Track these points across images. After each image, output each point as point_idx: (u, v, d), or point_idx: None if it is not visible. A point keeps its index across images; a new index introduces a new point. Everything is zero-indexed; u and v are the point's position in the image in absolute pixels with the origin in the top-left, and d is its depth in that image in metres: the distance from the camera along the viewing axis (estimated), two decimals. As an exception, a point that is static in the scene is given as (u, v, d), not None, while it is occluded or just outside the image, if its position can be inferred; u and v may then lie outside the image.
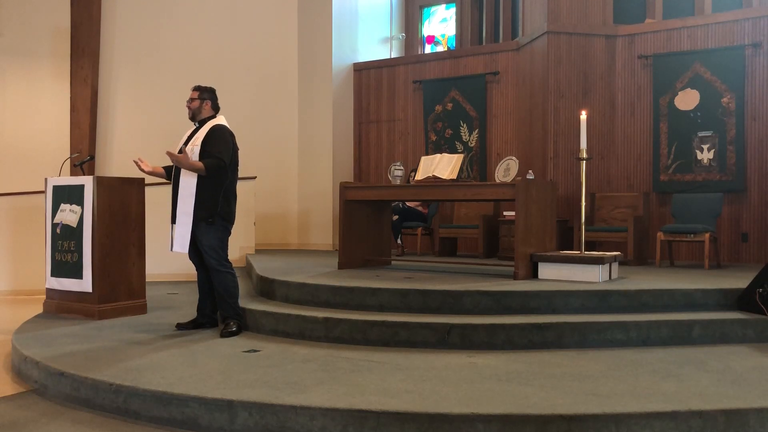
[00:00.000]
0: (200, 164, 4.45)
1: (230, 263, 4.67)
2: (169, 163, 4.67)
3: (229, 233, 4.68)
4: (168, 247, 4.76)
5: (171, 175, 4.71)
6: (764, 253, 7.30)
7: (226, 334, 4.49)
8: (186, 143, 4.65)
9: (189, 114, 4.71)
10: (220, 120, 4.68)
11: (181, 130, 10.54)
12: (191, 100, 4.69)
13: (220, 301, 4.65)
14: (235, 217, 4.70)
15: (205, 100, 4.68)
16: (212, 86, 4.78)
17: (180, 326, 4.76)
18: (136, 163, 4.67)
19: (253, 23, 9.83)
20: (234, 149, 4.63)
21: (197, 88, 4.73)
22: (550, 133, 8.02)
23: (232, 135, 4.64)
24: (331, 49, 9.73)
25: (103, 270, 5.19)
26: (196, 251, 4.65)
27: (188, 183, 4.50)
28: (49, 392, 3.64)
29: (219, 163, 4.48)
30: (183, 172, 4.53)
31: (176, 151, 4.59)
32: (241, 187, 8.13)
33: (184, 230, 4.53)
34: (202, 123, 4.67)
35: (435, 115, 9.37)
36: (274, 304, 4.99)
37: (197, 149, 4.51)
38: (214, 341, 4.36)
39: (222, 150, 4.51)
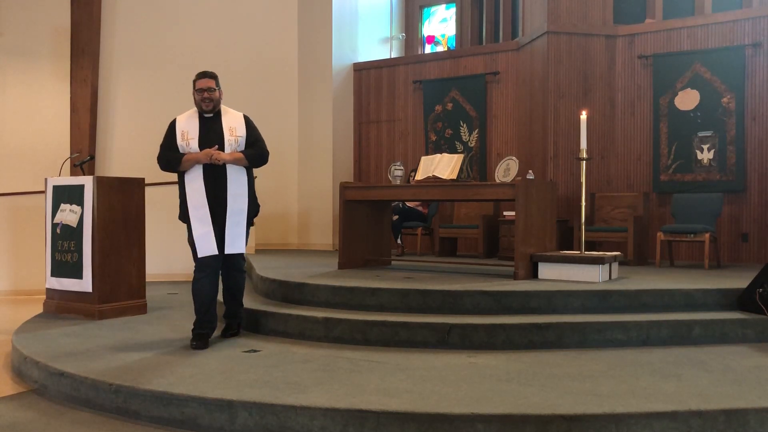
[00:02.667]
0: (240, 155, 4.21)
1: None
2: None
3: None
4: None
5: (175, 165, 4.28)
6: (764, 253, 7.30)
7: (230, 334, 4.47)
8: (204, 138, 4.21)
9: (208, 106, 4.23)
10: (233, 109, 4.41)
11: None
12: (211, 89, 4.21)
13: (235, 303, 4.49)
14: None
15: (219, 88, 4.30)
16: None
17: (202, 347, 4.21)
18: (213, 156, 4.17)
19: (253, 23, 9.83)
20: None
21: (212, 76, 4.27)
22: (550, 133, 8.02)
23: None
24: (331, 49, 9.74)
25: (103, 270, 5.19)
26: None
27: (240, 180, 4.24)
28: (49, 392, 3.63)
29: (260, 152, 4.29)
30: (229, 165, 4.20)
31: (192, 148, 4.21)
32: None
33: (241, 230, 4.25)
34: (216, 114, 4.29)
35: (435, 115, 9.37)
36: (274, 304, 4.99)
37: (242, 140, 4.25)
38: (214, 341, 4.36)
39: (262, 138, 4.35)
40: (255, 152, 4.28)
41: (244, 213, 4.26)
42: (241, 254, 4.36)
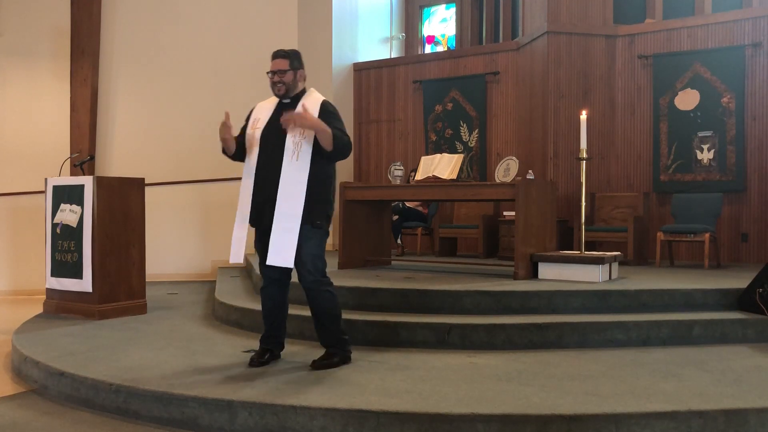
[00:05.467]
0: (329, 128, 3.45)
1: (328, 278, 3.72)
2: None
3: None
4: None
5: (239, 154, 3.71)
6: (764, 253, 7.30)
7: (321, 365, 3.59)
8: (270, 126, 3.62)
9: (280, 91, 3.63)
10: (317, 92, 3.76)
11: (182, 129, 10.50)
12: (281, 72, 3.60)
13: (320, 327, 3.70)
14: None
15: (298, 69, 3.65)
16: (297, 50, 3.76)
17: (256, 363, 3.69)
18: (226, 120, 3.61)
19: (253, 23, 9.83)
20: None
21: (285, 55, 3.62)
22: (550, 133, 8.02)
23: None
24: (331, 49, 9.73)
25: (103, 270, 5.19)
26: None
27: (298, 178, 3.49)
28: (49, 392, 3.64)
29: (346, 139, 3.52)
30: (288, 157, 3.50)
31: (255, 136, 3.61)
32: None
33: (289, 237, 3.49)
34: (295, 99, 3.65)
35: (435, 115, 9.36)
36: (274, 304, 4.98)
37: (310, 133, 3.50)
38: (214, 341, 4.36)
39: (344, 128, 3.57)
40: (337, 132, 3.50)
41: (297, 219, 3.49)
42: (308, 266, 3.63)
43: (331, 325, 3.67)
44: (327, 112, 3.60)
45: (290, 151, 3.52)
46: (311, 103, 3.62)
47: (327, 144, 3.48)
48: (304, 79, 3.74)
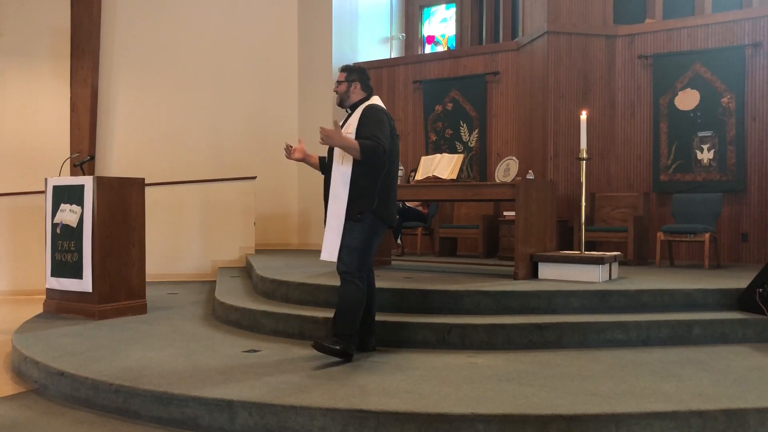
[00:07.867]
0: (354, 142, 3.74)
1: (361, 274, 3.80)
2: (323, 152, 4.06)
3: (378, 237, 3.90)
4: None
5: (324, 167, 4.10)
6: (764, 253, 7.30)
7: (321, 347, 3.72)
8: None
9: (337, 100, 4.11)
10: (374, 101, 4.01)
11: (182, 129, 10.46)
12: (338, 83, 4.05)
13: (334, 315, 3.85)
14: (392, 218, 3.95)
15: (353, 81, 4.01)
16: (361, 66, 4.18)
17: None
18: (287, 148, 4.11)
19: (253, 23, 9.84)
20: (392, 134, 3.91)
21: (344, 69, 4.08)
22: (550, 133, 8.02)
23: (388, 116, 3.94)
24: (331, 49, 9.74)
25: (103, 270, 5.19)
26: None
27: (340, 178, 3.82)
28: (49, 392, 3.63)
29: (376, 145, 3.73)
30: (335, 163, 3.87)
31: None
32: (241, 187, 8.26)
33: (334, 235, 3.81)
34: (353, 108, 4.02)
35: (435, 115, 9.37)
36: (274, 304, 4.99)
37: (352, 138, 3.83)
38: (214, 341, 4.36)
39: (376, 131, 3.78)
40: (363, 142, 3.75)
41: (339, 218, 3.80)
42: (341, 255, 3.78)
43: (341, 316, 3.76)
44: (362, 120, 3.88)
45: (338, 157, 3.87)
46: (357, 113, 3.95)
47: (354, 155, 3.78)
48: (363, 91, 4.02)
